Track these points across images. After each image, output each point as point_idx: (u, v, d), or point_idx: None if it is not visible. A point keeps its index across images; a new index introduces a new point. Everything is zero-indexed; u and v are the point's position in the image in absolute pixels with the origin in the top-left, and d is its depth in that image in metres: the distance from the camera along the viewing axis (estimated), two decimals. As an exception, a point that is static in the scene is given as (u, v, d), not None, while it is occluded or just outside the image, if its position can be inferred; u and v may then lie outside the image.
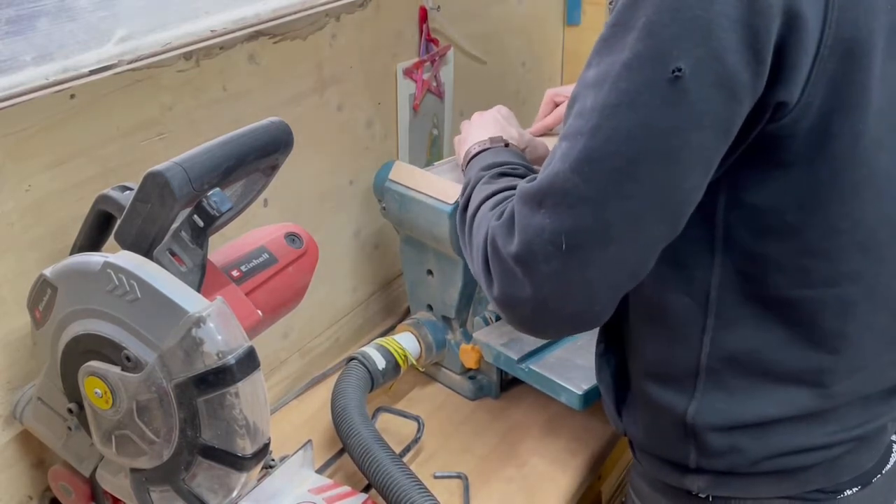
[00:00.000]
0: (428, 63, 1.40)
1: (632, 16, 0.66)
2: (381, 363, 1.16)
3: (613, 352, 0.91)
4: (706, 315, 0.78)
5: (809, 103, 0.68)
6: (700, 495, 0.85)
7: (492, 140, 1.01)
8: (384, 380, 1.17)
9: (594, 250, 0.71)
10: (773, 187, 0.72)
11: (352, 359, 1.17)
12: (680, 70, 0.64)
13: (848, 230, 0.74)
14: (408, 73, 1.36)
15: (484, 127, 1.06)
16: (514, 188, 0.83)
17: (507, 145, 1.01)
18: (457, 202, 1.12)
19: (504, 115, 1.12)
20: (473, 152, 1.01)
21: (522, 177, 0.89)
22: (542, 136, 1.20)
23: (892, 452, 0.86)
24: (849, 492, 0.83)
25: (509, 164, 0.93)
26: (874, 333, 0.79)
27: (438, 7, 1.39)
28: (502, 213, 0.78)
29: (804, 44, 0.65)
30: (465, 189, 0.94)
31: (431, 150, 1.49)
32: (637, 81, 0.66)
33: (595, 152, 0.68)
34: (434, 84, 1.43)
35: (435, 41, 1.40)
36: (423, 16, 1.37)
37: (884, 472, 0.85)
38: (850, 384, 0.80)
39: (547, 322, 0.78)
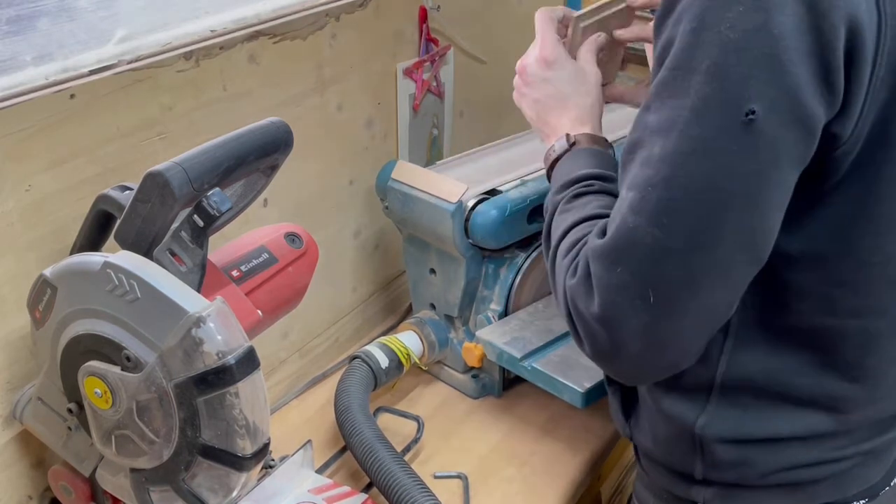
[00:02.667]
0: (428, 63, 1.40)
1: (693, 57, 0.64)
2: (384, 362, 1.16)
3: None
4: (725, 335, 0.76)
5: (860, 135, 0.66)
6: None
7: (567, 140, 0.91)
8: (387, 378, 1.17)
9: (684, 299, 0.68)
10: (810, 216, 0.70)
11: (355, 357, 1.17)
12: (754, 112, 0.62)
13: (879, 264, 0.72)
14: (408, 73, 1.36)
15: (559, 108, 0.95)
16: (586, 220, 0.80)
17: (574, 143, 0.91)
18: (460, 201, 1.13)
19: (595, 89, 0.97)
20: (552, 159, 0.92)
21: (596, 193, 0.84)
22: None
23: None
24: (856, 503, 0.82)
25: (583, 181, 0.86)
26: (894, 366, 0.78)
27: (438, 7, 1.39)
28: (576, 267, 0.75)
29: (862, 74, 0.63)
30: (546, 211, 0.89)
31: (431, 150, 1.49)
32: (709, 127, 0.64)
33: (674, 203, 0.66)
34: (434, 84, 1.43)
35: (435, 41, 1.40)
36: (423, 16, 1.37)
37: (892, 484, 0.84)
38: (867, 411, 0.79)
39: (646, 374, 0.78)
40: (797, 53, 0.61)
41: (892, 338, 0.76)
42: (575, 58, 0.98)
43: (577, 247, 0.77)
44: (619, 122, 1.29)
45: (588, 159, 0.89)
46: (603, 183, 0.86)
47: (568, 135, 0.91)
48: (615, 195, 0.82)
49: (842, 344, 0.75)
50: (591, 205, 0.83)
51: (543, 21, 0.98)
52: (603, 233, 0.72)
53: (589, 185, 0.86)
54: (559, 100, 0.95)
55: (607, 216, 0.76)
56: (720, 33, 0.62)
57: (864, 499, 0.82)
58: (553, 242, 0.83)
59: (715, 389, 0.79)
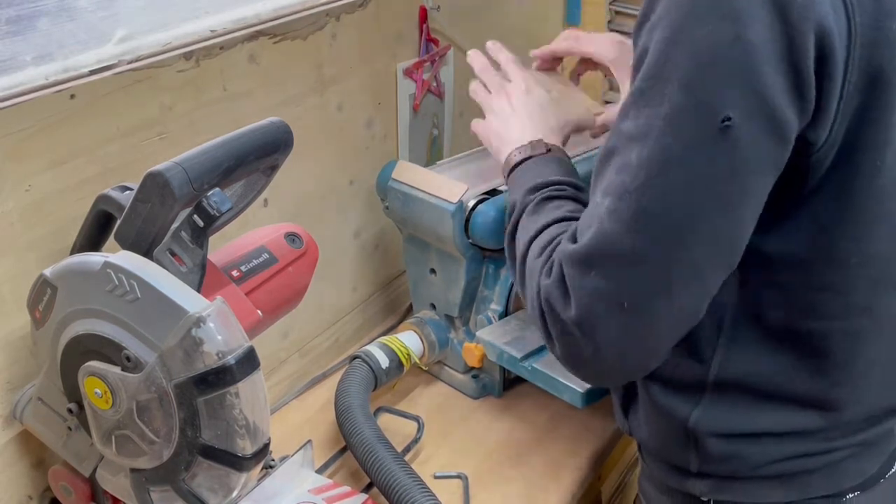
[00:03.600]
0: (428, 63, 1.40)
1: (666, 67, 0.65)
2: (384, 362, 1.17)
3: None
4: (719, 335, 0.78)
5: (834, 141, 0.67)
6: (703, 499, 0.85)
7: (532, 146, 0.95)
8: (387, 378, 1.17)
9: (658, 306, 0.70)
10: (788, 220, 0.71)
11: (355, 357, 1.17)
12: (730, 119, 0.63)
13: (858, 265, 0.73)
14: (408, 73, 1.36)
15: (520, 116, 1.00)
16: (559, 221, 0.82)
17: (549, 150, 0.95)
18: (460, 201, 1.13)
19: (538, 97, 1.03)
20: (514, 162, 0.95)
21: (569, 199, 0.86)
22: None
23: None
24: (851, 496, 0.83)
25: (554, 185, 0.88)
26: (883, 364, 0.79)
27: (438, 7, 1.39)
28: (551, 267, 0.76)
29: (833, 81, 0.64)
30: (510, 213, 0.90)
31: (431, 150, 1.49)
32: (685, 135, 0.65)
33: (649, 211, 0.67)
34: (434, 84, 1.43)
35: (435, 41, 1.40)
36: (423, 16, 1.37)
37: (887, 476, 0.84)
38: (856, 408, 0.80)
39: (614, 376, 0.81)
40: (770, 62, 0.62)
41: (878, 337, 0.77)
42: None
43: (551, 247, 0.78)
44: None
45: (559, 167, 0.92)
46: (575, 191, 0.88)
47: (540, 140, 0.95)
48: (583, 202, 0.85)
49: (828, 346, 0.76)
50: (562, 208, 0.85)
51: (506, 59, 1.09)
52: (574, 237, 0.73)
53: (562, 190, 0.87)
54: (532, 110, 1.01)
55: (578, 219, 0.77)
56: (694, 43, 0.63)
57: (858, 491, 0.83)
58: (523, 243, 0.84)
59: (708, 386, 0.80)
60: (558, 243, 0.77)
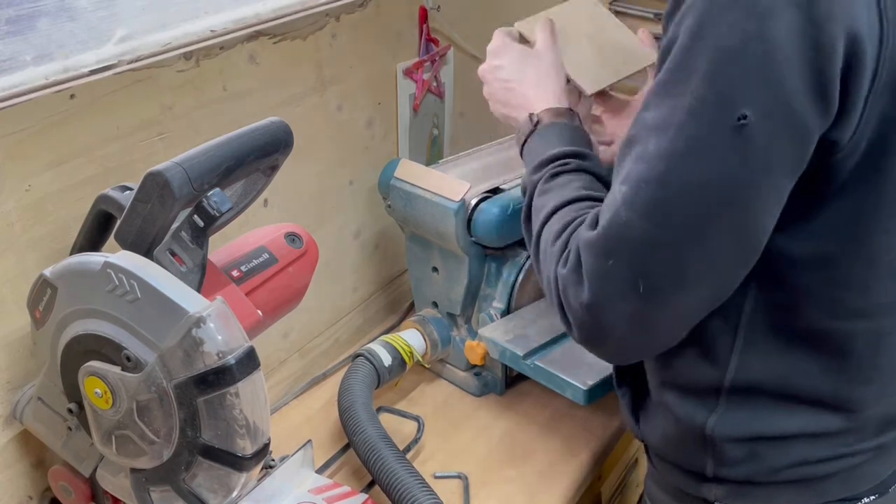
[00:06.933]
0: (428, 63, 1.40)
1: (691, 60, 0.64)
2: (386, 360, 1.17)
3: None
4: (735, 338, 0.77)
5: (860, 141, 0.66)
6: None
7: (530, 120, 0.93)
8: (390, 376, 1.18)
9: (672, 292, 0.70)
10: (812, 220, 0.71)
11: (358, 355, 1.17)
12: (745, 117, 0.62)
13: (887, 262, 0.73)
14: (408, 73, 1.36)
15: (516, 88, 0.97)
16: (570, 203, 0.81)
17: (539, 122, 0.92)
18: (462, 199, 1.13)
19: (538, 65, 0.99)
20: (521, 139, 0.93)
21: (573, 171, 0.85)
22: None
23: None
24: (866, 500, 0.82)
25: (559, 160, 0.87)
26: None
27: (438, 7, 1.39)
28: (567, 256, 0.76)
29: (861, 81, 0.63)
30: (524, 192, 0.90)
31: (431, 150, 1.49)
32: (703, 129, 0.64)
33: (667, 201, 0.67)
34: (434, 84, 1.43)
35: (435, 41, 1.40)
36: (423, 16, 1.37)
37: None
38: (878, 409, 0.79)
39: (630, 356, 0.82)
40: (791, 62, 0.61)
41: None
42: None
43: (566, 233, 0.78)
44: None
45: (557, 136, 0.90)
46: (579, 161, 0.87)
47: (531, 114, 0.93)
48: (592, 173, 0.85)
49: (852, 346, 0.75)
50: (570, 185, 0.84)
51: (497, 33, 1.04)
52: (594, 224, 0.73)
53: (564, 164, 0.86)
54: (515, 81, 0.98)
55: (590, 198, 0.78)
56: (717, 37, 0.63)
57: (874, 494, 0.82)
58: (536, 226, 0.84)
59: (724, 391, 0.79)
60: (573, 230, 0.77)
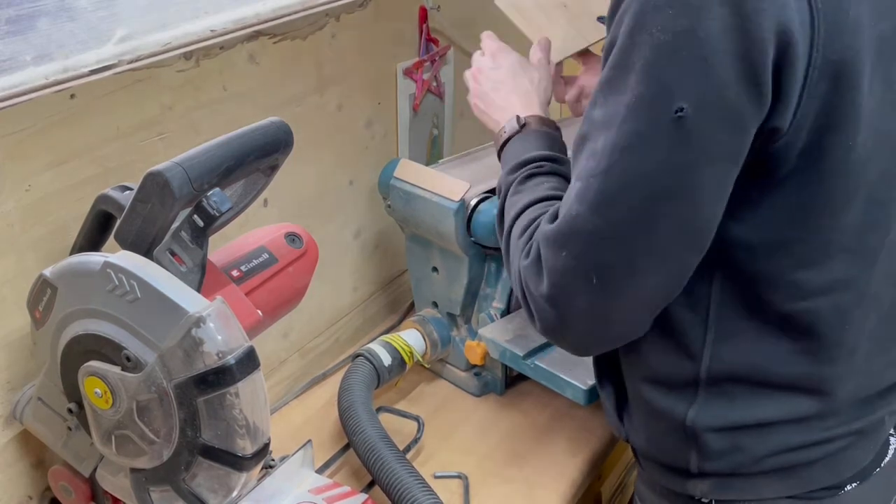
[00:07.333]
0: (428, 63, 1.40)
1: (629, 58, 0.67)
2: (386, 360, 1.17)
3: (614, 357, 0.91)
4: (706, 330, 0.79)
5: (801, 126, 0.68)
6: (703, 500, 0.85)
7: (509, 125, 0.97)
8: (390, 376, 1.18)
9: (624, 282, 0.73)
10: (764, 205, 0.73)
11: (358, 355, 1.17)
12: (682, 110, 0.65)
13: (838, 239, 0.75)
14: (408, 73, 1.36)
15: (506, 91, 1.02)
16: (540, 201, 0.84)
17: (524, 125, 0.96)
18: (462, 199, 1.13)
19: (532, 77, 1.04)
20: (503, 139, 0.97)
21: (547, 174, 0.89)
22: None
23: (890, 446, 0.86)
24: (849, 487, 0.83)
25: (533, 163, 0.91)
26: (868, 337, 0.80)
27: (438, 7, 1.39)
28: (529, 250, 0.79)
29: (795, 70, 0.66)
30: (498, 191, 0.94)
31: (431, 150, 1.49)
32: (643, 123, 0.67)
33: (612, 193, 0.70)
34: (434, 84, 1.43)
35: (435, 41, 1.40)
36: (423, 16, 1.37)
37: (882, 465, 0.85)
38: (849, 388, 0.80)
39: (592, 347, 0.84)
40: (723, 55, 0.64)
41: (862, 310, 0.78)
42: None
43: (531, 229, 0.82)
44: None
45: (538, 141, 0.94)
46: (553, 164, 0.91)
47: (518, 116, 0.97)
48: (564, 176, 0.88)
49: (817, 325, 0.77)
50: (542, 186, 0.88)
51: (486, 35, 1.09)
52: (553, 218, 0.76)
53: (539, 167, 0.90)
54: (506, 84, 1.02)
55: (558, 198, 0.80)
56: (652, 35, 0.65)
57: (856, 481, 0.83)
58: (507, 223, 0.87)
59: (702, 382, 0.80)
60: (537, 226, 0.80)
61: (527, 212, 0.85)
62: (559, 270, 0.74)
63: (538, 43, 1.08)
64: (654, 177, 0.68)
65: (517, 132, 0.95)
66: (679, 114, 0.65)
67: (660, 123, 0.66)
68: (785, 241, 0.74)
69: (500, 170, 0.95)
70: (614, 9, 0.70)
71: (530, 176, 0.89)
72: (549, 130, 0.96)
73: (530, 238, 0.81)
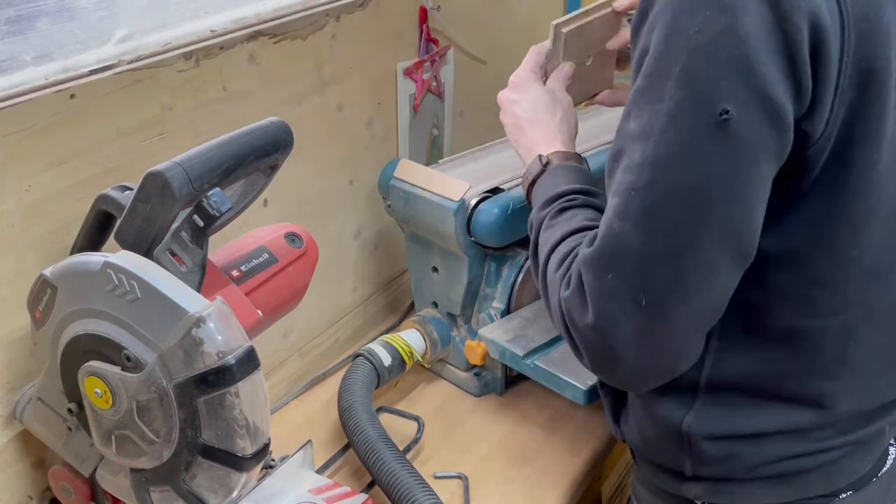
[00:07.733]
0: (428, 63, 1.40)
1: (665, 64, 0.65)
2: (386, 360, 1.17)
3: None
4: (710, 337, 0.77)
5: (830, 135, 0.67)
6: (697, 502, 0.85)
7: (539, 161, 0.93)
8: (390, 376, 1.18)
9: (674, 302, 0.69)
10: (788, 216, 0.71)
11: (358, 355, 1.17)
12: (727, 112, 0.63)
13: (856, 258, 0.73)
14: (408, 73, 1.36)
15: (528, 128, 0.98)
16: (576, 232, 0.81)
17: (549, 162, 0.93)
18: (462, 199, 1.13)
19: (562, 108, 1.00)
20: (532, 177, 0.93)
21: (581, 207, 0.85)
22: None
23: (889, 456, 0.86)
24: (844, 495, 0.82)
25: (566, 197, 0.87)
26: (875, 356, 0.79)
27: (438, 7, 1.39)
28: (569, 280, 0.75)
29: (828, 72, 0.65)
30: (530, 228, 0.90)
31: (432, 150, 1.49)
32: (685, 130, 0.65)
33: (657, 207, 0.67)
34: (434, 84, 1.43)
35: (435, 41, 1.40)
36: (423, 16, 1.37)
37: (879, 475, 0.85)
38: (850, 404, 0.79)
39: (645, 380, 0.78)
40: (764, 52, 0.63)
41: (870, 328, 0.77)
42: (554, 68, 1.03)
43: (569, 259, 0.78)
44: (606, 126, 1.30)
45: (566, 176, 0.90)
46: (585, 197, 0.87)
47: (540, 156, 0.93)
48: (598, 208, 0.84)
49: (823, 342, 0.76)
50: (576, 218, 0.84)
51: (530, 54, 1.03)
52: (591, 241, 0.73)
53: (572, 200, 0.87)
54: (527, 121, 0.98)
55: (595, 228, 0.76)
56: (689, 38, 0.64)
57: (851, 490, 0.83)
58: (542, 258, 0.84)
59: (700, 389, 0.80)
60: (575, 255, 0.77)
61: (563, 244, 0.81)
62: (605, 295, 0.70)
63: (561, 70, 1.03)
64: (702, 185, 0.66)
65: (541, 172, 0.92)
66: (724, 116, 0.63)
67: (704, 129, 0.64)
68: (802, 257, 0.73)
69: (533, 207, 0.92)
70: (642, 16, 0.68)
71: (563, 210, 0.86)
72: (575, 164, 0.93)
73: (569, 269, 0.77)
